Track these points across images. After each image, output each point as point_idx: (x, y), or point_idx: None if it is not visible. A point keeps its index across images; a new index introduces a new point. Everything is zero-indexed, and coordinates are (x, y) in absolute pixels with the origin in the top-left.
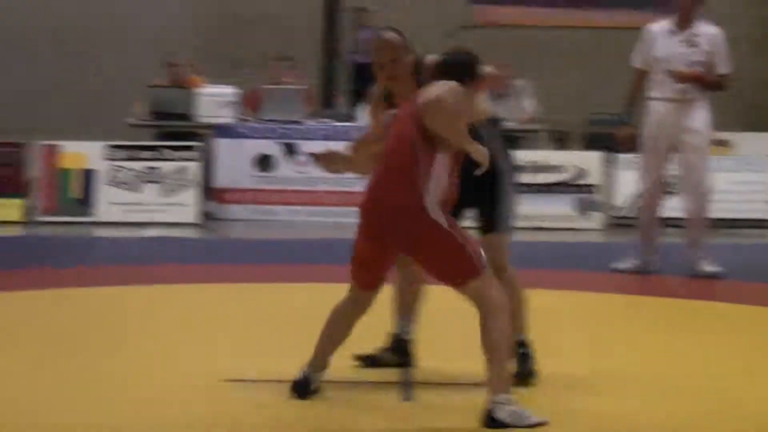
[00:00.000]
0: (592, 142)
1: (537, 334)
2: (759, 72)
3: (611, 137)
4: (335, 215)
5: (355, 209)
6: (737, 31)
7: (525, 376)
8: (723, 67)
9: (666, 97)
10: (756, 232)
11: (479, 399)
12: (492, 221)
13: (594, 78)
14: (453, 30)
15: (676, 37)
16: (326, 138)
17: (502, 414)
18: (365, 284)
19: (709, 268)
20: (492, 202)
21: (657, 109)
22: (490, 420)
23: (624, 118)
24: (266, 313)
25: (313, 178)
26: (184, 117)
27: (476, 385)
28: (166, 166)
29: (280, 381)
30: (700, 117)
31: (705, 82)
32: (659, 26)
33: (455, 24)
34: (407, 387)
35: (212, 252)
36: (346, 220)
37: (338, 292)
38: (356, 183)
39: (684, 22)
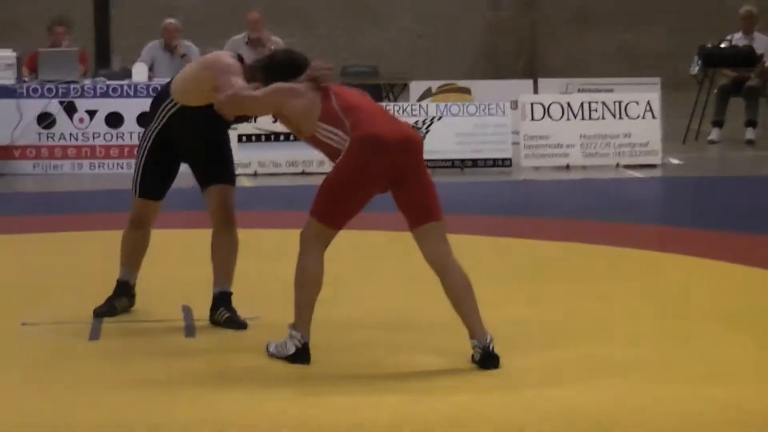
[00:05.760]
0: None
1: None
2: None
3: (362, 87)
4: (114, 167)
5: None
6: None
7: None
8: None
9: None
10: (499, 170)
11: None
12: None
13: (343, 32)
14: None
15: None
16: (103, 95)
17: (271, 347)
18: (342, 225)
19: None
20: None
21: None
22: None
23: None
24: (57, 260)
25: (91, 134)
26: None
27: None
28: None
29: (73, 323)
30: None
31: None
32: None
33: None
34: (189, 326)
35: (0, 205)
36: (124, 172)
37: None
38: (132, 137)
39: None
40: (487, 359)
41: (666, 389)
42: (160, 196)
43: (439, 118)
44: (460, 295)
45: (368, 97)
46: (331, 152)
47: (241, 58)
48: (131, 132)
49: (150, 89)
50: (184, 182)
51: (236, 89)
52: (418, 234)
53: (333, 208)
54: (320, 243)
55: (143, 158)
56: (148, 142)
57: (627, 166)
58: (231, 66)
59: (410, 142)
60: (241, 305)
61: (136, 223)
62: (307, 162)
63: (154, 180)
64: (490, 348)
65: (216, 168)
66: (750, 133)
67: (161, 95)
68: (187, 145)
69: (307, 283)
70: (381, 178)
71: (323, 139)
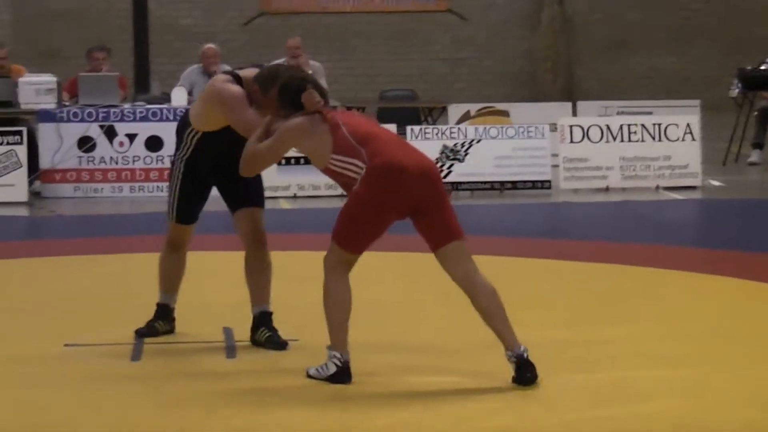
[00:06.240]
0: (383, 115)
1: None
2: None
3: (401, 110)
4: (153, 190)
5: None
6: (510, 8)
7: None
8: None
9: None
10: (538, 192)
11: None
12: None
13: (381, 57)
14: (249, 19)
15: None
16: (143, 119)
17: (311, 370)
18: (363, 249)
19: None
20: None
21: None
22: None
23: None
24: (98, 282)
25: (130, 157)
26: (7, 104)
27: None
28: None
29: (115, 344)
30: None
31: None
32: None
33: (248, 14)
34: (230, 347)
35: (42, 228)
36: (164, 195)
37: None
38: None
39: None
40: (523, 368)
41: (707, 412)
42: (194, 220)
43: (478, 141)
44: (490, 309)
45: (377, 123)
46: (347, 182)
47: (237, 76)
48: (171, 155)
49: None
50: (216, 206)
51: (248, 150)
52: (441, 255)
53: (353, 234)
54: (343, 267)
55: (177, 185)
56: (179, 168)
57: (667, 188)
58: (236, 97)
59: (429, 172)
60: (280, 327)
61: (173, 246)
62: None
63: (189, 205)
64: (525, 356)
65: (244, 191)
66: None
67: (184, 122)
68: (215, 168)
69: (335, 307)
70: (400, 205)
71: (339, 171)
